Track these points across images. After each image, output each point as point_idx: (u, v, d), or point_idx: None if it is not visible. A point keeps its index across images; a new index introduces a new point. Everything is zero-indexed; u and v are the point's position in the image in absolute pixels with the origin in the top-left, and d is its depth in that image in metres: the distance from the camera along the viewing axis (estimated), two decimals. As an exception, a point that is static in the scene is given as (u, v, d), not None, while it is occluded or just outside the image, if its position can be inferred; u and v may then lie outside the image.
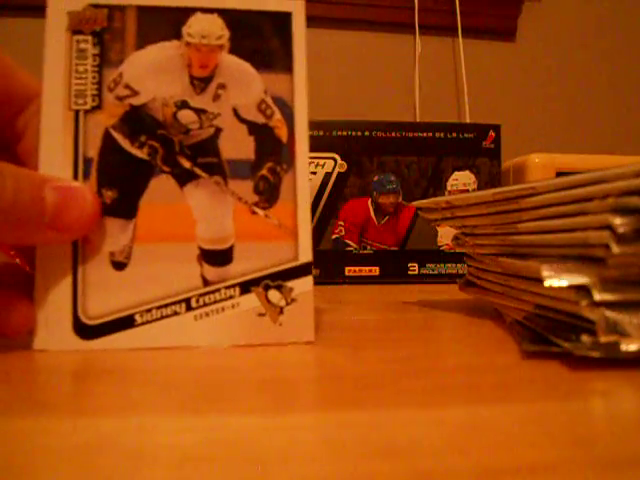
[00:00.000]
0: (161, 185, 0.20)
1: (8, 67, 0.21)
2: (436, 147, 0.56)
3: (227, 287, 0.20)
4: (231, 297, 0.20)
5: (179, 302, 0.19)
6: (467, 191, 0.57)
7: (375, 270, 0.56)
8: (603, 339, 0.16)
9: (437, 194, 0.56)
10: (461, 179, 0.57)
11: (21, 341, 0.19)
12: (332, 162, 0.56)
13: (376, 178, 0.56)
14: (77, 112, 0.20)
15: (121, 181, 0.20)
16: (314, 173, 0.55)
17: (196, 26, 0.21)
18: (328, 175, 0.55)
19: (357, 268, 0.55)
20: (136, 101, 0.20)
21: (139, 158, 0.20)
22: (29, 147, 0.21)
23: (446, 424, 0.12)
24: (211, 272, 0.20)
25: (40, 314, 0.19)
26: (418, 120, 0.93)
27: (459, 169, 0.57)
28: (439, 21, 0.95)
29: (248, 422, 0.12)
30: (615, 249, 0.16)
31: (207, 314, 0.19)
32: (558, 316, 0.19)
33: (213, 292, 0.20)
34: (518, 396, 0.14)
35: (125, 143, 0.20)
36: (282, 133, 0.21)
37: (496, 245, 0.25)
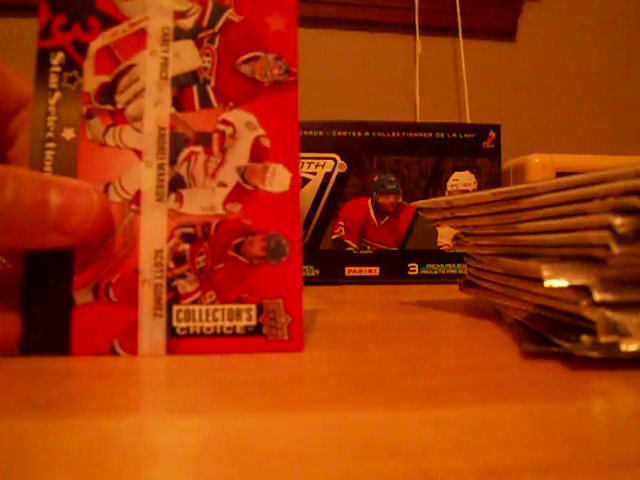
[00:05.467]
0: None
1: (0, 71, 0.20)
2: (436, 147, 0.57)
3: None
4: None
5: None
6: (467, 191, 0.57)
7: (375, 270, 0.56)
8: (603, 339, 0.16)
9: (437, 194, 0.56)
10: (461, 179, 0.57)
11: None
12: (332, 162, 0.56)
13: (376, 178, 0.56)
14: None
15: None
16: (314, 173, 0.55)
17: None
18: (328, 175, 0.55)
19: (357, 268, 0.55)
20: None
21: None
22: (20, 153, 0.20)
23: (446, 424, 0.12)
24: None
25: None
26: (418, 120, 0.93)
27: (459, 169, 0.57)
28: (439, 21, 0.95)
29: (248, 422, 0.12)
30: (615, 249, 0.16)
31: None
32: (558, 316, 0.19)
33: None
34: (518, 396, 0.14)
35: None
36: None
37: (496, 245, 0.25)
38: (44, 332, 0.18)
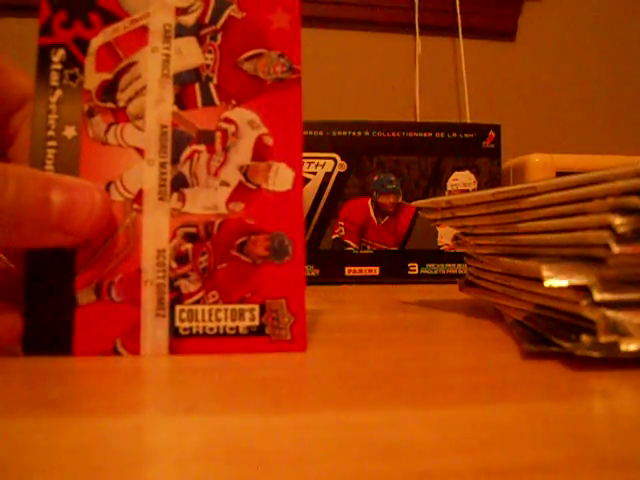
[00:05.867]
0: None
1: (1, 66, 0.20)
2: (436, 147, 0.56)
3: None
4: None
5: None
6: (467, 191, 0.57)
7: (375, 270, 0.56)
8: (603, 339, 0.16)
9: (437, 194, 0.56)
10: (461, 179, 0.57)
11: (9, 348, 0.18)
12: (332, 162, 0.55)
13: (376, 178, 0.56)
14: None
15: None
16: (314, 173, 0.55)
17: None
18: (328, 175, 0.55)
19: (357, 268, 0.55)
20: None
21: None
22: (21, 151, 0.20)
23: (446, 424, 0.12)
24: None
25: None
26: (418, 120, 0.93)
27: (459, 169, 0.57)
28: (439, 21, 0.95)
29: (248, 422, 0.12)
30: (615, 249, 0.16)
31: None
32: (558, 316, 0.19)
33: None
34: (518, 396, 0.14)
35: None
36: None
37: (496, 245, 0.26)
38: (46, 332, 0.18)
